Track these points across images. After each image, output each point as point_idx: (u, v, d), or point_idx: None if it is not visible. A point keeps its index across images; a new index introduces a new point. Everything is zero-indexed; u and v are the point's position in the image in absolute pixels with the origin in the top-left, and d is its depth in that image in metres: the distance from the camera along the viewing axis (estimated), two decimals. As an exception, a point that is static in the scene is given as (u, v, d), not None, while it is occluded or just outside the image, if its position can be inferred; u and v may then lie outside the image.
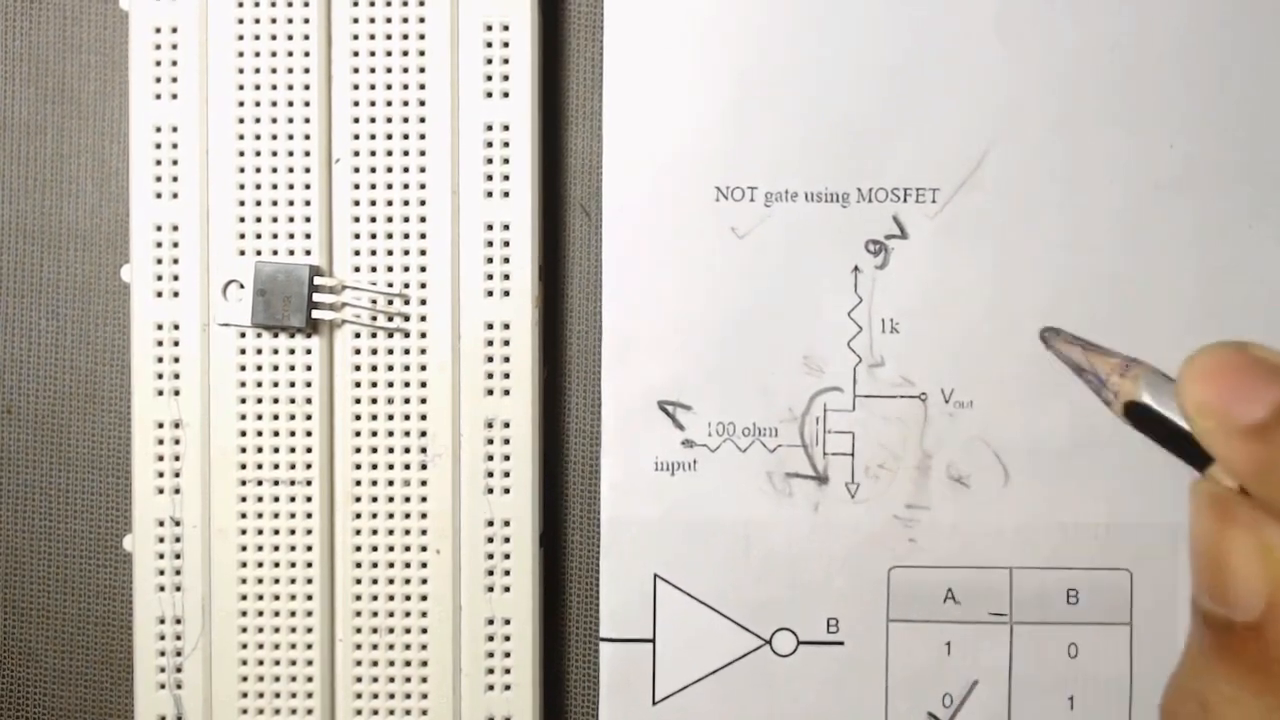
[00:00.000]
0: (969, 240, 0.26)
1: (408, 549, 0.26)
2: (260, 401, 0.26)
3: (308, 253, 0.26)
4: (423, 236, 0.26)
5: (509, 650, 0.26)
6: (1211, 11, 0.26)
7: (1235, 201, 0.26)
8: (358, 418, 0.26)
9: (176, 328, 0.26)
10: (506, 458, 0.26)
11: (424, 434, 0.26)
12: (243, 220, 0.26)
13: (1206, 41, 0.26)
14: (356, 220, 0.26)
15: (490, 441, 0.26)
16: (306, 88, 0.26)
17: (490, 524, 0.26)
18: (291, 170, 0.26)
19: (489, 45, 0.26)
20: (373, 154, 0.26)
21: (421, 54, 0.26)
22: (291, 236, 0.26)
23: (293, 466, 0.26)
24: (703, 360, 0.26)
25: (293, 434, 0.26)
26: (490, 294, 0.26)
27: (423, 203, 0.26)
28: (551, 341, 0.28)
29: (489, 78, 0.26)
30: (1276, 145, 0.26)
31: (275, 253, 0.26)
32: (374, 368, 0.26)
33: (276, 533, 0.26)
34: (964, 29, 0.26)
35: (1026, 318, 0.26)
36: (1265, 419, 0.17)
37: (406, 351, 0.26)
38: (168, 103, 0.26)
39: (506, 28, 0.26)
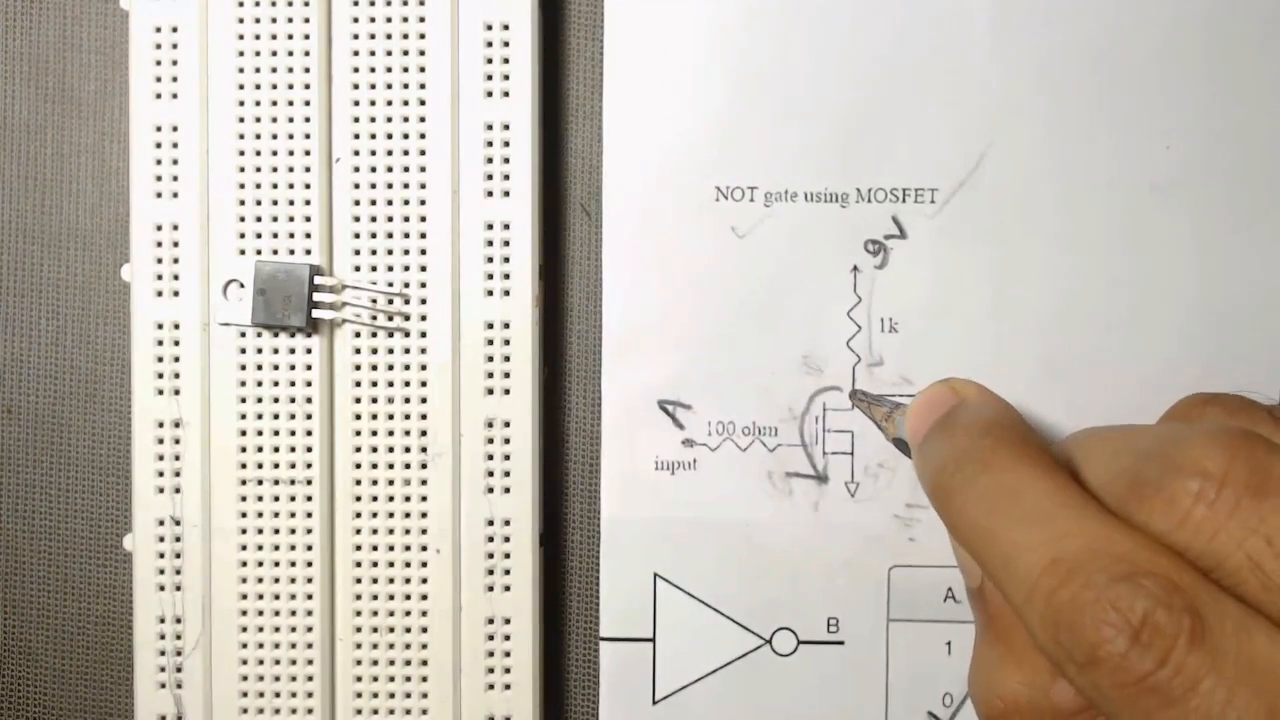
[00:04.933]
0: (968, 240, 0.26)
1: (408, 549, 0.26)
2: (260, 401, 0.26)
3: (308, 252, 0.26)
4: (423, 236, 0.26)
5: (509, 650, 0.26)
6: (1210, 12, 0.26)
7: (1234, 201, 0.26)
8: (358, 417, 0.26)
9: (177, 327, 0.26)
10: (506, 457, 0.26)
11: (424, 434, 0.26)
12: (243, 220, 0.26)
13: (1204, 42, 0.26)
14: (356, 220, 0.26)
15: (490, 441, 0.26)
16: (306, 87, 0.26)
17: (490, 524, 0.26)
18: (291, 170, 0.26)
19: (489, 45, 0.26)
20: (373, 154, 0.26)
21: (421, 54, 0.26)
22: (291, 236, 0.26)
23: (293, 466, 0.26)
24: (703, 360, 0.26)
25: (293, 434, 0.26)
26: (490, 294, 0.26)
27: (423, 203, 0.26)
28: (551, 341, 0.28)
29: (489, 78, 0.26)
30: (1275, 145, 0.26)
31: (275, 252, 0.26)
32: (374, 367, 0.26)
33: (276, 532, 0.26)
34: (962, 29, 0.26)
35: (1026, 317, 0.26)
36: (919, 441, 0.22)
37: (406, 351, 0.26)
38: (168, 103, 0.26)
39: (506, 27, 0.26)
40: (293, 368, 0.26)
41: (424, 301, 0.26)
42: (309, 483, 0.26)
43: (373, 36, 0.26)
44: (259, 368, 0.26)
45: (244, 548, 0.26)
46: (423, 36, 0.26)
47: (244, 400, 0.26)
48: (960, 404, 0.22)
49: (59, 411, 0.28)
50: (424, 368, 0.26)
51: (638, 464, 0.26)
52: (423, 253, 0.26)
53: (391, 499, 0.26)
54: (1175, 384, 0.26)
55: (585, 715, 0.28)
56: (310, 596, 0.26)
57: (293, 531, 0.26)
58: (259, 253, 0.26)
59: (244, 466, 0.26)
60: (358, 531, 0.26)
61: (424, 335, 0.26)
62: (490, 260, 0.26)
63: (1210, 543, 0.16)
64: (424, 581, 0.26)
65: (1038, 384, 0.26)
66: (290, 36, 0.26)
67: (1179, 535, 0.17)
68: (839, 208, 0.26)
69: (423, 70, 0.26)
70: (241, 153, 0.26)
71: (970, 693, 0.20)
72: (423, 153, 0.26)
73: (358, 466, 0.26)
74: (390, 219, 0.26)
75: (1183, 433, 0.17)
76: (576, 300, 0.28)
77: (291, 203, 0.26)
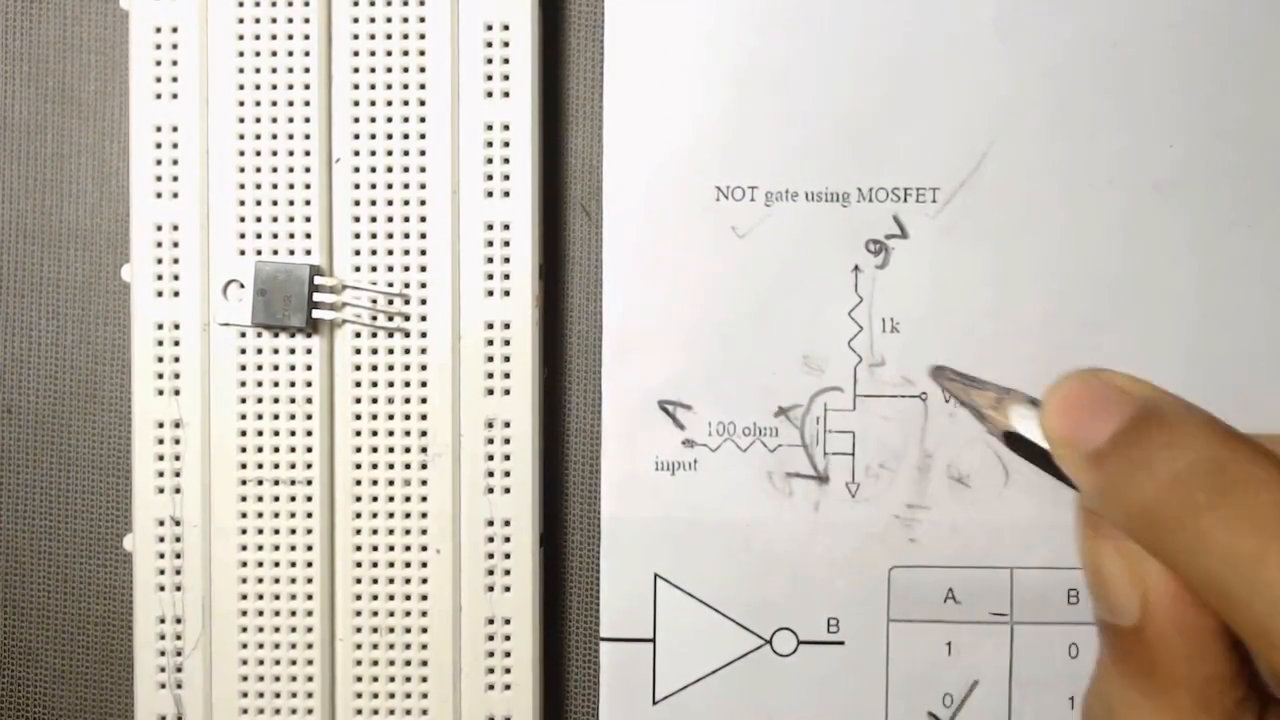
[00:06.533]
0: (969, 240, 0.26)
1: (408, 549, 0.26)
2: (260, 401, 0.26)
3: (308, 252, 0.26)
4: (423, 236, 0.26)
5: (509, 650, 0.26)
6: (1211, 11, 0.26)
7: (1235, 201, 0.26)
8: (358, 417, 0.26)
9: (177, 327, 0.26)
10: (506, 458, 0.26)
11: (424, 434, 0.26)
12: (243, 220, 0.26)
13: (1206, 41, 0.26)
14: (356, 220, 0.26)
15: (490, 441, 0.26)
16: (306, 88, 0.26)
17: (490, 524, 0.26)
18: (291, 170, 0.26)
19: (489, 45, 0.26)
20: (373, 154, 0.26)
21: (421, 54, 0.26)
22: (291, 236, 0.26)
23: (293, 466, 0.26)
24: (703, 360, 0.26)
25: (293, 434, 0.26)
26: (490, 294, 0.26)
27: (423, 203, 0.26)
28: (551, 341, 0.28)
29: (489, 78, 0.26)
30: (1276, 145, 0.26)
31: (275, 252, 0.26)
32: (374, 368, 0.26)
33: (276, 532, 0.26)
34: (964, 28, 0.26)
35: (1027, 317, 0.26)
36: (1102, 447, 0.18)
37: (407, 351, 0.26)
38: (168, 103, 0.26)
39: (506, 28, 0.26)
40: (293, 368, 0.26)
41: (424, 301, 0.26)
42: (309, 483, 0.26)
43: (373, 36, 0.26)
44: (259, 368, 0.26)
45: (244, 548, 0.26)
46: (423, 36, 0.26)
47: (244, 400, 0.26)
48: (1159, 403, 0.18)
49: (59, 411, 0.28)
50: (424, 368, 0.26)
51: (638, 464, 0.26)
52: (423, 253, 0.26)
53: (391, 499, 0.26)
54: (1176, 383, 0.26)
55: (585, 715, 0.28)
56: (310, 596, 0.26)
57: (293, 531, 0.26)
58: (259, 253, 0.26)
59: (244, 466, 0.26)
60: (358, 531, 0.26)
61: (424, 335, 0.26)
62: (490, 260, 0.26)
63: None
64: (424, 581, 0.26)
65: (1038, 384, 0.26)
66: (290, 36, 0.26)
67: None
68: (840, 207, 0.26)
69: (423, 70, 0.26)
70: (241, 153, 0.26)
71: None
72: (423, 153, 0.26)
73: (358, 466, 0.26)
74: (390, 219, 0.26)
75: None
76: (576, 300, 0.28)
77: (291, 203, 0.26)
